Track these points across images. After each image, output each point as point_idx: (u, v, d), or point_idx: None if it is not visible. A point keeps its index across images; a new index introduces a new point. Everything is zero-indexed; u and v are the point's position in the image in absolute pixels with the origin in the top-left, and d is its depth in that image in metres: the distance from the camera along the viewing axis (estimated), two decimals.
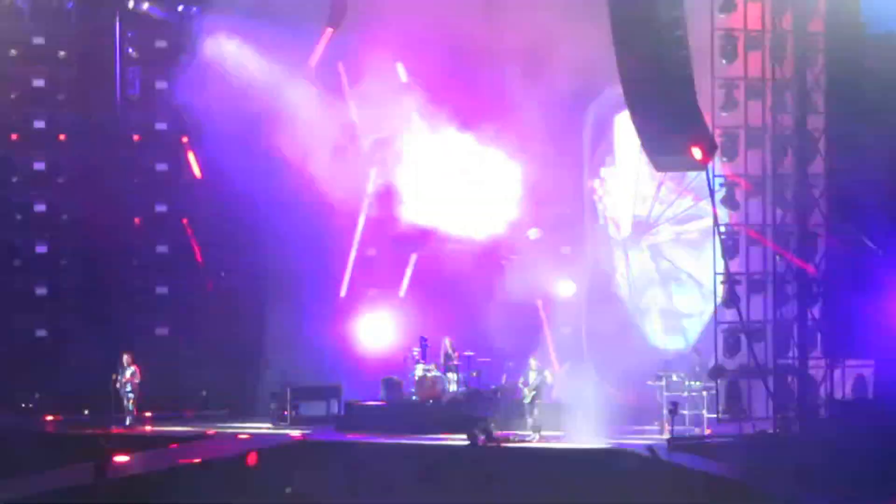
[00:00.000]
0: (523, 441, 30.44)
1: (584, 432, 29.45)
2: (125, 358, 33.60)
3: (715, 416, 30.27)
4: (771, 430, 29.13)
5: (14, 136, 36.86)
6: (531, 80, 35.79)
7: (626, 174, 35.17)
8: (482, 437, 28.83)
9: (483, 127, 36.12)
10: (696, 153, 27.07)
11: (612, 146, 35.28)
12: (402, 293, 36.58)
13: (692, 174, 32.43)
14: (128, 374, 33.27)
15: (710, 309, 32.21)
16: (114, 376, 33.45)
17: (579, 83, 34.91)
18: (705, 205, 33.03)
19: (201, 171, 37.27)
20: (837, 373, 29.82)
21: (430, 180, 37.07)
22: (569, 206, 35.98)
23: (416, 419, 32.58)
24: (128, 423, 33.27)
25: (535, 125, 35.49)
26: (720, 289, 30.17)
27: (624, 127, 33.90)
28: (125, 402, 33.30)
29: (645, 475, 26.85)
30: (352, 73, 36.97)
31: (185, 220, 37.40)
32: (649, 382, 31.36)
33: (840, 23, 29.67)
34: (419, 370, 33.70)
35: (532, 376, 30.94)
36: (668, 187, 34.35)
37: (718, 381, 29.96)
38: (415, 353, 34.05)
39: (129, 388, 33.29)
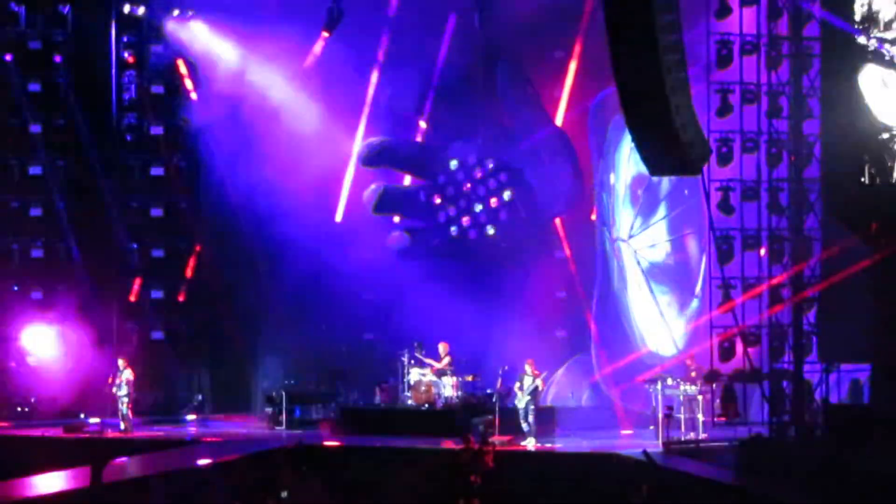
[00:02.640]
0: (518, 445, 30.44)
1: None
2: (120, 362, 33.57)
3: (710, 419, 30.29)
4: (766, 435, 29.11)
5: (10, 141, 36.96)
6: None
7: (619, 176, 35.21)
8: (477, 442, 28.75)
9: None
10: (692, 157, 27.05)
11: (612, 148, 35.36)
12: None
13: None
14: (125, 377, 33.22)
15: (700, 312, 32.26)
16: (110, 380, 33.43)
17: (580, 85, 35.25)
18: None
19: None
20: (832, 377, 29.85)
21: None
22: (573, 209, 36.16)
23: (411, 423, 32.62)
24: (122, 427, 33.24)
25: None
26: (716, 294, 30.21)
27: (617, 129, 33.99)
28: (121, 405, 33.27)
29: (640, 479, 26.81)
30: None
31: (180, 223, 37.54)
32: (646, 386, 31.40)
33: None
34: (414, 374, 33.73)
35: (527, 381, 30.92)
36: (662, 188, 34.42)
37: (713, 386, 29.98)
38: (409, 358, 34.14)
39: (124, 391, 33.26)
